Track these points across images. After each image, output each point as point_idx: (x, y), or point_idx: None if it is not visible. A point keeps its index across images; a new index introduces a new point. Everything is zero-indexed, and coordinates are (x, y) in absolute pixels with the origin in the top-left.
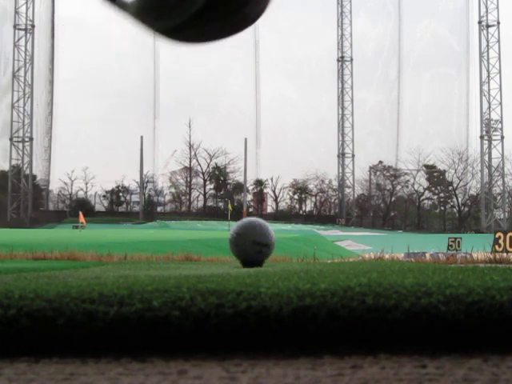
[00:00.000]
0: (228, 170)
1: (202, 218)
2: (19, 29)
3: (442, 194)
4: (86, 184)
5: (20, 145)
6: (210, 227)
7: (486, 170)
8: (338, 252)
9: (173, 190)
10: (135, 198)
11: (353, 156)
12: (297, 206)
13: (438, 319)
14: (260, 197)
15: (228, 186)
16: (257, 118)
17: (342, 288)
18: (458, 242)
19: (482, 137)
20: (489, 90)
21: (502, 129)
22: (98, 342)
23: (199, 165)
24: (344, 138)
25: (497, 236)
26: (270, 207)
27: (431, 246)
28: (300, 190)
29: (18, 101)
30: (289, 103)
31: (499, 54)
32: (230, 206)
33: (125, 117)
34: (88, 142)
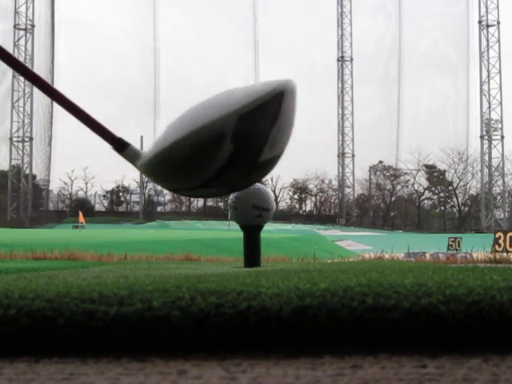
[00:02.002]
0: None
1: (202, 217)
2: (19, 29)
3: (442, 194)
4: (86, 184)
5: (20, 145)
6: (209, 227)
7: (486, 170)
8: (338, 252)
9: None
10: (135, 197)
11: (353, 156)
12: (297, 205)
13: (438, 319)
14: None
15: None
16: None
17: (341, 288)
18: (458, 241)
19: (482, 137)
20: (489, 89)
21: (502, 129)
22: (97, 342)
23: None
24: (344, 137)
25: (497, 236)
26: None
27: (431, 245)
28: (300, 189)
29: (17, 101)
30: None
31: (499, 54)
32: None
33: (125, 117)
34: (88, 142)
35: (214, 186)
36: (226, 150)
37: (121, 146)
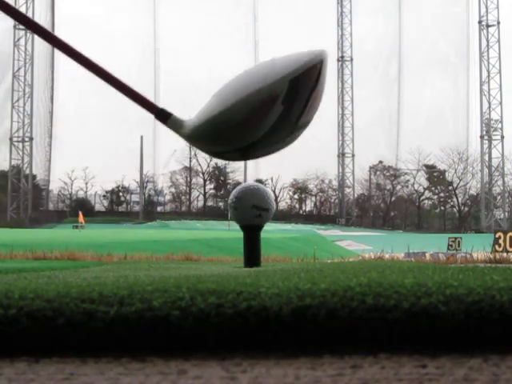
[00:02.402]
0: (228, 170)
1: (202, 217)
2: (19, 29)
3: (442, 194)
4: (86, 184)
5: (20, 145)
6: (209, 227)
7: (486, 170)
8: (338, 252)
9: (173, 189)
10: (135, 197)
11: (353, 156)
12: (297, 205)
13: (438, 319)
14: None
15: (228, 186)
16: None
17: (342, 288)
18: (458, 241)
19: (482, 137)
20: (489, 89)
21: (502, 129)
22: (97, 342)
23: (199, 165)
24: (344, 137)
25: (497, 236)
26: None
27: (431, 246)
28: (300, 189)
29: (17, 101)
30: None
31: (499, 54)
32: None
33: (125, 117)
34: (88, 141)
35: (258, 147)
36: (277, 111)
37: (164, 115)
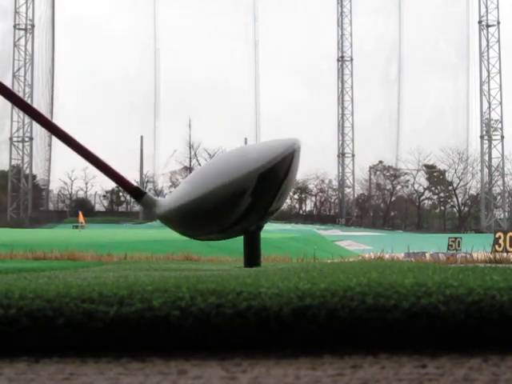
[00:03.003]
0: None
1: None
2: (19, 29)
3: (442, 194)
4: (86, 184)
5: (20, 145)
6: None
7: (486, 170)
8: (338, 252)
9: (173, 189)
10: None
11: (353, 156)
12: (297, 205)
13: (438, 319)
14: None
15: None
16: (256, 117)
17: (342, 288)
18: (458, 241)
19: (482, 137)
20: (489, 89)
21: (502, 129)
22: (97, 342)
23: (199, 165)
24: (344, 137)
25: (497, 236)
26: None
27: (431, 246)
28: (300, 189)
29: None
30: (288, 102)
31: (499, 54)
32: None
33: (125, 117)
34: (88, 141)
35: (229, 232)
36: (245, 203)
37: (138, 194)
